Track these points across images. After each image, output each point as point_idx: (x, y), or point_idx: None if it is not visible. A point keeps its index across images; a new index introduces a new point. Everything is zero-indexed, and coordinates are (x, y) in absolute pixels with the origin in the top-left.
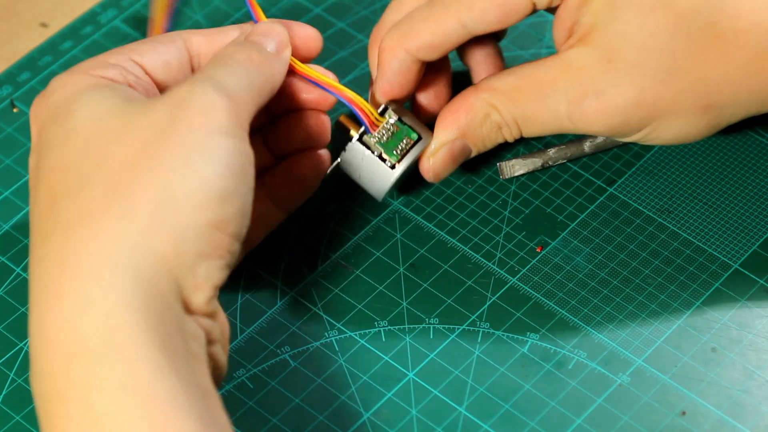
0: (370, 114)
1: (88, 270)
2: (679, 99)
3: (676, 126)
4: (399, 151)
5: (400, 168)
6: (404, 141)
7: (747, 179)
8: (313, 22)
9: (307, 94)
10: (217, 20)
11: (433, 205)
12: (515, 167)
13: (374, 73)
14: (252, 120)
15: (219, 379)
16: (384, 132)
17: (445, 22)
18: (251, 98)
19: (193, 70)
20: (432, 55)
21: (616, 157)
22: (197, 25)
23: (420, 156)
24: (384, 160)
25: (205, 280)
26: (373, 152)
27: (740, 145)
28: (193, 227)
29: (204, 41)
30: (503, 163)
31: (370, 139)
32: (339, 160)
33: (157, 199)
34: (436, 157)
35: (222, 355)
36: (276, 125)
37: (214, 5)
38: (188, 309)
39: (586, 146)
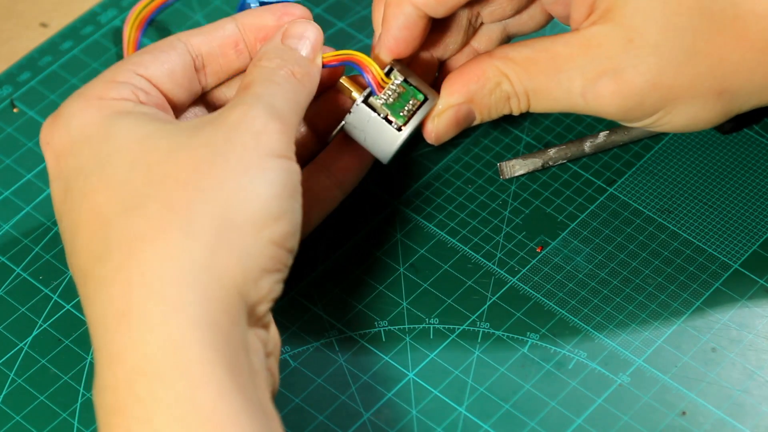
0: (376, 74)
1: (155, 289)
2: (696, 82)
3: (689, 111)
4: (405, 113)
5: (407, 130)
6: (411, 102)
7: (747, 179)
8: None
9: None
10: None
11: (433, 205)
12: (515, 167)
13: (378, 31)
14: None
15: (273, 393)
16: (390, 93)
17: None
18: (297, 116)
19: (197, 71)
20: (439, 10)
21: (616, 157)
22: (197, 25)
23: (425, 118)
24: (390, 122)
25: (267, 293)
26: (379, 114)
27: (740, 145)
28: (256, 245)
29: (204, 41)
30: (503, 163)
31: (376, 101)
32: (344, 122)
33: (219, 218)
34: (440, 118)
35: (275, 368)
36: (315, 106)
37: (214, 5)
38: (249, 323)
39: (587, 146)
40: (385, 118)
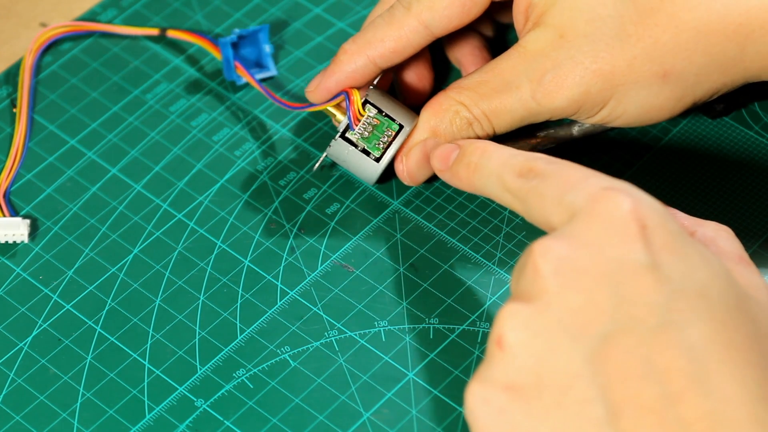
0: (356, 109)
1: None
2: (634, 65)
3: (638, 98)
4: (381, 145)
5: (385, 161)
6: (386, 133)
7: (747, 179)
8: (313, 22)
9: None
10: (217, 20)
11: (433, 205)
12: None
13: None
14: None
15: None
16: (365, 127)
17: (408, 26)
18: None
19: None
20: (394, 60)
21: (616, 157)
22: (197, 25)
23: (402, 146)
24: (368, 154)
25: None
26: (356, 147)
27: (740, 145)
28: None
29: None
30: None
31: (352, 136)
32: (325, 153)
33: None
34: (408, 157)
35: None
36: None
37: (214, 5)
38: None
39: (575, 130)
40: (363, 150)
